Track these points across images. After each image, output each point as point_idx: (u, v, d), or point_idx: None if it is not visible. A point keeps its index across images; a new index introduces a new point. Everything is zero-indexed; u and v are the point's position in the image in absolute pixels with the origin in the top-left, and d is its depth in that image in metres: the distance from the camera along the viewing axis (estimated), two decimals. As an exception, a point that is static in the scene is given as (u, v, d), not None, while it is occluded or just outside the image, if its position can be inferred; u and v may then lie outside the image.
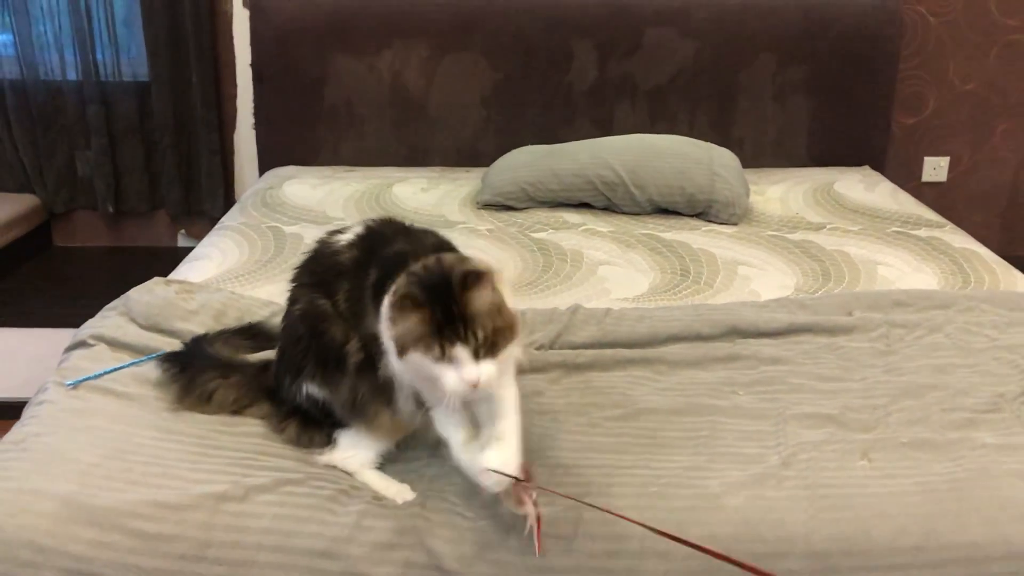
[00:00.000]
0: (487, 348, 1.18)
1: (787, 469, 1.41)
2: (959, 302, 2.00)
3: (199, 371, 1.57)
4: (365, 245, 1.38)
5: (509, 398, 1.29)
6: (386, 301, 1.21)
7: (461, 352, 1.17)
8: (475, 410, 1.30)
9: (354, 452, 1.42)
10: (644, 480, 1.38)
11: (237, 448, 1.45)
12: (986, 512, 1.34)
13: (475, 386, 1.17)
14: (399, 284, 1.19)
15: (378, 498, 1.36)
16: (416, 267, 1.21)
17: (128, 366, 1.68)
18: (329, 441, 1.43)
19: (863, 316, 1.93)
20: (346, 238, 1.41)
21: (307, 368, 1.40)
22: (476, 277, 1.18)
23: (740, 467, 1.41)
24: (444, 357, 1.17)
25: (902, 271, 2.31)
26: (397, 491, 1.37)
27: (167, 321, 1.81)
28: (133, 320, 1.84)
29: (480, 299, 1.19)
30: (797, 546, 1.30)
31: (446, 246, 1.39)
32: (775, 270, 2.31)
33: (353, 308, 1.33)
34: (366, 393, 1.35)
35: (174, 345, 1.74)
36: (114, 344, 1.75)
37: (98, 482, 1.36)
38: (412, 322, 1.17)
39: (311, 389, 1.41)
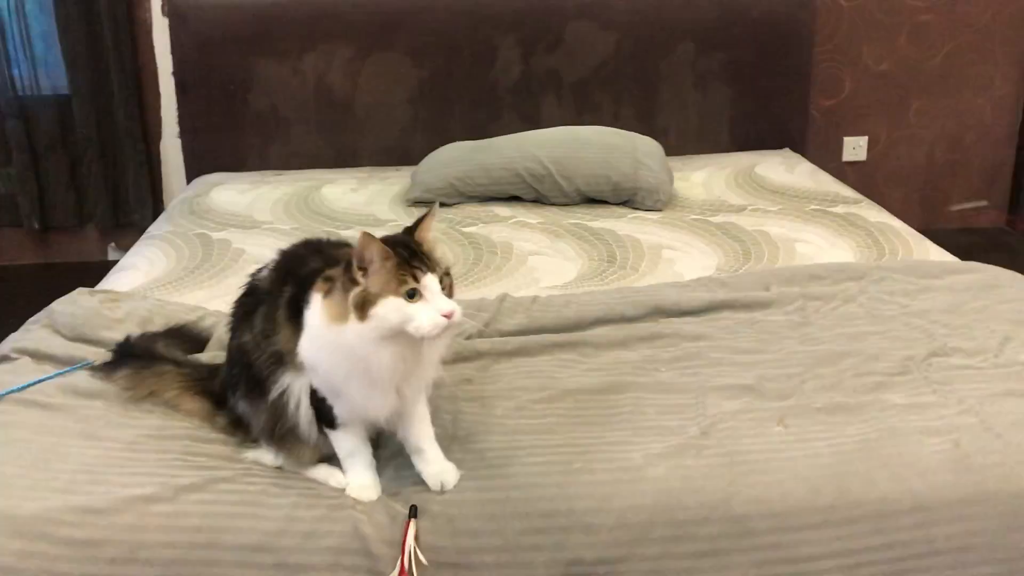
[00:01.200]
0: (448, 287, 1.24)
1: (706, 439, 1.46)
2: (872, 273, 2.08)
3: (144, 364, 1.60)
4: (281, 266, 1.40)
5: (423, 410, 1.39)
6: (315, 296, 1.25)
7: (431, 282, 1.20)
8: (381, 428, 1.37)
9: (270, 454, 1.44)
10: (568, 457, 1.42)
11: (165, 451, 1.45)
12: (893, 468, 1.40)
13: (450, 319, 1.20)
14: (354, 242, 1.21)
15: (308, 490, 1.38)
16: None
17: (53, 377, 1.66)
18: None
19: (780, 291, 1.99)
20: (265, 270, 1.42)
21: (240, 390, 1.43)
22: (425, 217, 1.27)
23: (661, 439, 1.46)
24: (416, 292, 1.19)
25: (820, 247, 2.39)
26: (326, 475, 1.40)
27: (93, 331, 1.80)
28: (58, 332, 1.82)
29: (431, 235, 1.27)
30: (717, 511, 1.34)
31: None
32: (698, 252, 2.37)
33: (265, 327, 1.35)
34: (281, 427, 1.38)
35: (100, 355, 1.72)
36: (38, 356, 1.74)
37: (22, 492, 1.35)
38: (379, 262, 1.19)
39: (243, 407, 1.44)
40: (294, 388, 1.34)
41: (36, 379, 1.64)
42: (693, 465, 1.40)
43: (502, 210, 2.73)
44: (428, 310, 1.20)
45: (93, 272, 2.89)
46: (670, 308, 1.92)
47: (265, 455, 1.44)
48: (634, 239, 2.46)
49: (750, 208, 2.71)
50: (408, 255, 1.22)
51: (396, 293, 1.19)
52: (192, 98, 3.21)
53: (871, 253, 2.34)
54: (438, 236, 1.31)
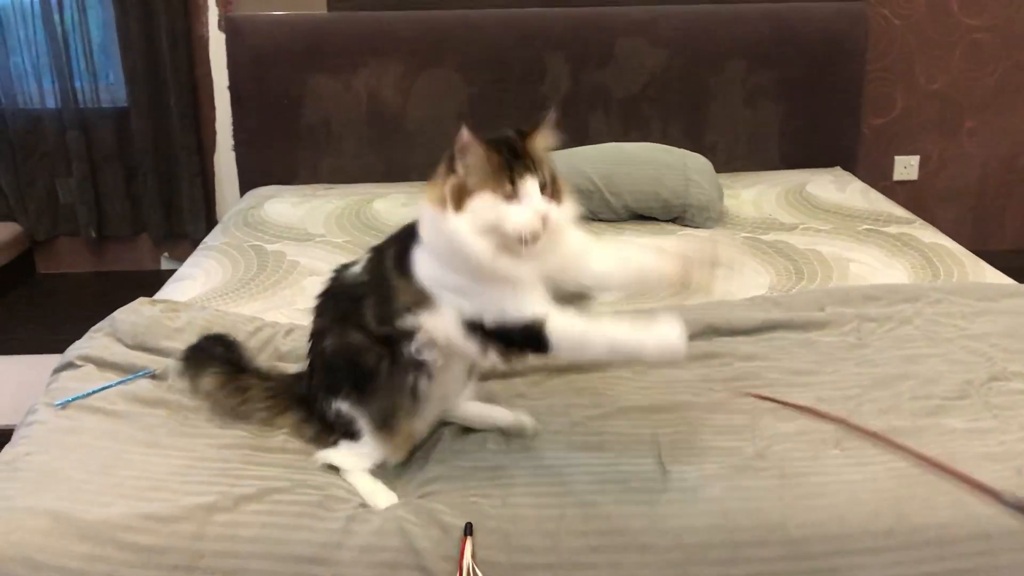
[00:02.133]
0: (552, 191, 1.22)
1: (762, 460, 1.45)
2: (928, 295, 2.05)
3: (232, 373, 1.61)
4: (374, 264, 1.41)
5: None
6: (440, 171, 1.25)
7: (531, 185, 1.20)
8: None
9: (353, 454, 1.45)
10: (624, 476, 1.42)
11: (224, 460, 1.48)
12: (954, 494, 1.38)
13: (545, 223, 1.19)
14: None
15: (364, 504, 1.39)
16: None
17: (116, 384, 1.70)
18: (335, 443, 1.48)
19: (835, 311, 1.98)
20: (357, 268, 1.44)
21: (343, 391, 1.44)
22: (539, 124, 1.27)
23: (716, 460, 1.45)
24: (514, 193, 1.19)
25: (873, 267, 2.37)
26: (383, 495, 1.41)
27: (153, 340, 1.84)
28: (119, 340, 1.87)
29: (542, 143, 1.26)
30: (774, 534, 1.34)
31: None
32: (750, 270, 2.36)
33: (380, 314, 1.36)
34: (392, 405, 1.39)
35: (160, 363, 1.77)
36: (101, 364, 1.78)
37: (89, 497, 1.38)
38: (480, 158, 1.20)
39: (343, 407, 1.45)
40: (433, 327, 1.32)
41: (100, 386, 1.69)
42: (749, 486, 1.39)
43: (551, 226, 2.74)
44: (524, 210, 1.19)
45: (147, 281, 2.95)
46: (723, 327, 1.91)
47: (337, 455, 1.45)
48: (684, 257, 2.45)
49: (801, 227, 2.69)
50: (510, 156, 1.21)
51: (493, 191, 1.20)
52: (246, 111, 3.27)
53: (926, 274, 2.32)
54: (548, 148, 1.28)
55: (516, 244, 1.22)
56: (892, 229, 2.66)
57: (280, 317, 2.06)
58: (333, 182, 3.28)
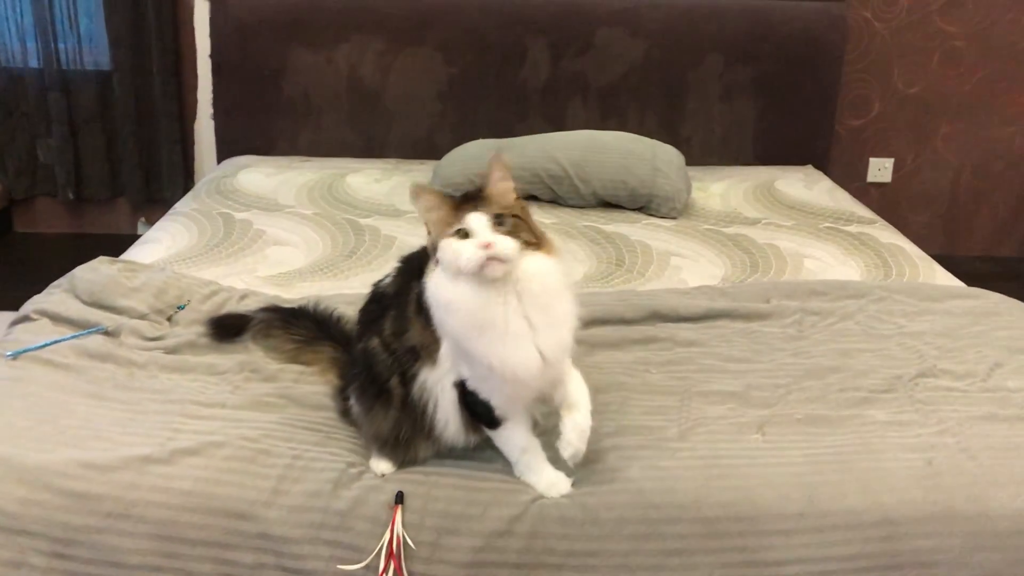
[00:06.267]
0: (505, 225, 1.24)
1: (683, 441, 1.50)
2: (873, 292, 2.10)
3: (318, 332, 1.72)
4: (404, 271, 1.43)
5: (572, 370, 1.38)
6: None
7: (477, 221, 1.23)
8: (534, 410, 1.39)
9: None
10: (549, 453, 1.45)
11: (166, 413, 1.52)
12: (865, 481, 1.43)
13: (488, 250, 1.21)
14: None
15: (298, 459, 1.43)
16: None
17: (69, 339, 1.74)
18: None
19: (779, 304, 2.03)
20: (389, 277, 1.45)
21: (355, 391, 1.45)
22: (495, 164, 1.29)
23: (639, 439, 1.50)
24: (463, 232, 1.23)
25: (828, 263, 2.41)
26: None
27: (109, 298, 1.88)
28: (77, 296, 1.91)
29: (500, 184, 1.29)
30: (687, 512, 1.38)
31: None
32: (706, 261, 2.41)
33: (395, 328, 1.38)
34: (409, 429, 1.40)
35: (115, 320, 1.81)
36: (56, 319, 1.82)
37: (30, 444, 1.43)
38: (430, 202, 1.27)
39: (355, 410, 1.47)
40: (429, 383, 1.35)
41: (52, 340, 1.73)
42: (667, 466, 1.44)
43: (519, 208, 2.78)
44: (469, 245, 1.23)
45: (122, 244, 2.98)
46: (668, 313, 1.96)
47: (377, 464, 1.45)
48: (644, 244, 2.50)
49: (764, 221, 2.73)
50: (462, 200, 1.27)
51: (447, 234, 1.24)
52: (227, 81, 3.29)
53: (878, 273, 2.36)
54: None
55: (498, 284, 1.24)
56: (852, 228, 2.70)
57: (238, 283, 2.10)
58: (310, 155, 3.32)
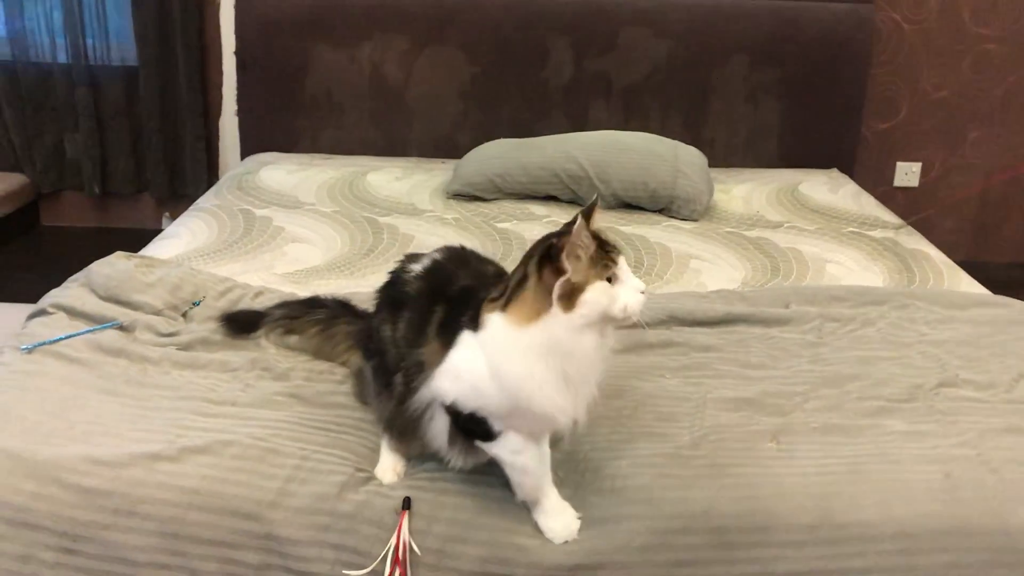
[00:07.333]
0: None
1: (695, 449, 1.47)
2: (895, 299, 2.06)
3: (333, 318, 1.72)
4: (430, 278, 1.39)
5: None
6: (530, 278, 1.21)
7: (624, 265, 1.21)
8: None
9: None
10: (554, 463, 1.42)
11: (176, 410, 1.52)
12: (881, 493, 1.40)
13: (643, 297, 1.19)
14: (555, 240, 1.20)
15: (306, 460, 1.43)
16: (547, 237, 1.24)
17: (83, 333, 1.75)
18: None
19: (799, 309, 1.99)
20: (417, 269, 1.41)
21: (373, 370, 1.45)
22: (592, 207, 1.25)
23: (651, 446, 1.48)
24: (614, 276, 1.19)
25: (851, 269, 2.38)
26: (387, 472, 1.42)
27: (125, 293, 1.89)
28: (93, 291, 1.92)
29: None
30: (698, 522, 1.36)
31: (504, 274, 1.36)
32: (726, 264, 2.38)
33: (408, 335, 1.35)
34: (402, 425, 1.39)
35: (130, 316, 1.81)
36: (72, 313, 1.83)
37: (40, 438, 1.43)
38: (589, 239, 1.18)
39: (372, 385, 1.47)
40: (427, 397, 1.32)
41: (67, 334, 1.74)
42: (678, 475, 1.42)
43: (538, 209, 2.77)
44: (629, 290, 1.20)
45: (147, 239, 3.01)
46: (685, 317, 1.93)
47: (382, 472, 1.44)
48: (664, 247, 2.47)
49: (787, 225, 2.70)
50: (597, 240, 1.22)
51: (600, 277, 1.19)
52: (251, 78, 3.30)
53: (902, 279, 2.32)
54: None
55: (606, 331, 1.21)
56: (877, 233, 2.66)
57: (255, 280, 2.10)
58: (332, 152, 3.32)
